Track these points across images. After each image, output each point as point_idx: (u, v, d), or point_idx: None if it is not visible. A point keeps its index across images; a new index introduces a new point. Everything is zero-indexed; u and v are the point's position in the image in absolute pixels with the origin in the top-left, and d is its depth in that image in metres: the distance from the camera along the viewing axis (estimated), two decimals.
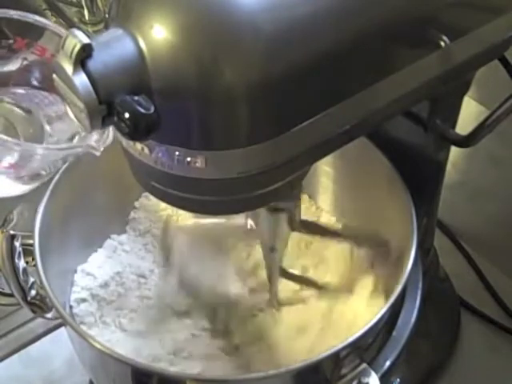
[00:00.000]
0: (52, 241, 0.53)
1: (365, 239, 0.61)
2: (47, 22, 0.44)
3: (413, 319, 0.52)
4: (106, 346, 0.46)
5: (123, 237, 0.63)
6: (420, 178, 0.54)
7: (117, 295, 0.59)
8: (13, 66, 0.47)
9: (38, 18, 0.44)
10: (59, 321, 0.52)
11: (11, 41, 0.45)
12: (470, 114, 0.57)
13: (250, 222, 0.58)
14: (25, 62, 0.46)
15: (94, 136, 0.44)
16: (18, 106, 0.48)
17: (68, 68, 0.32)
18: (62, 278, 0.55)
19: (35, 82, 0.48)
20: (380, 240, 0.59)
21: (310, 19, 0.34)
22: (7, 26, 0.44)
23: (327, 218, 0.65)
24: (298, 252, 0.62)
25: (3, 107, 0.47)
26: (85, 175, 0.56)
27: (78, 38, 0.32)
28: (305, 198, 0.66)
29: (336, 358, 0.46)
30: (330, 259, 0.61)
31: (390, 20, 0.38)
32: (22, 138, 0.46)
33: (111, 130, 0.44)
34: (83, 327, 0.55)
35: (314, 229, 0.63)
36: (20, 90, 0.48)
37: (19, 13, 0.43)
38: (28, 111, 0.47)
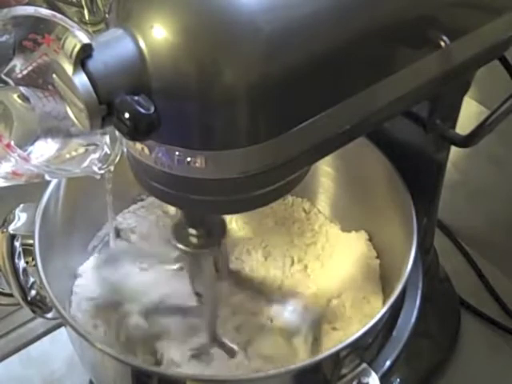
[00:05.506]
0: (52, 241, 0.53)
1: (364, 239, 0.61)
2: (73, 23, 0.44)
3: (413, 319, 0.52)
4: (106, 346, 0.46)
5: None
6: (420, 178, 0.54)
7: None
8: (34, 60, 0.46)
9: (65, 18, 0.44)
10: (59, 321, 0.52)
11: (40, 36, 0.45)
12: (469, 114, 0.57)
13: None
14: (45, 58, 0.46)
15: (98, 164, 0.45)
16: (25, 100, 0.47)
17: (68, 68, 0.32)
18: (62, 278, 0.55)
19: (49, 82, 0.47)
20: (380, 240, 0.59)
21: (310, 19, 0.34)
22: (40, 23, 0.44)
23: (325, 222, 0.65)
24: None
25: (10, 97, 0.47)
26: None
27: (77, 38, 0.32)
28: (304, 202, 0.66)
29: (336, 358, 0.46)
30: None
31: (389, 20, 0.38)
32: (14, 132, 0.46)
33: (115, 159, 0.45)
34: None
35: (242, 280, 0.60)
36: (30, 89, 0.47)
37: (48, 12, 0.44)
38: (31, 109, 0.47)
